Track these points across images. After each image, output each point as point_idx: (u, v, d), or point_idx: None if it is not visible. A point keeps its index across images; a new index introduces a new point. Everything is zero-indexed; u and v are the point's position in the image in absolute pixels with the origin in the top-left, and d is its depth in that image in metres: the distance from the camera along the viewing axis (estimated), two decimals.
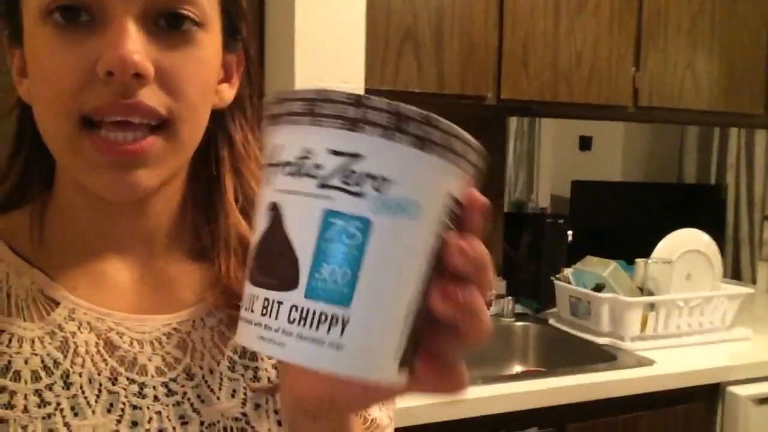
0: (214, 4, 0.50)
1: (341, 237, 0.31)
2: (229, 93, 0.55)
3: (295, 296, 0.31)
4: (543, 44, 1.83)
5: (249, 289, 0.34)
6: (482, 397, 1.52)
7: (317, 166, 0.31)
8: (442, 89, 1.73)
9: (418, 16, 1.69)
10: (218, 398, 0.52)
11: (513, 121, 2.81)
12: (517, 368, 2.00)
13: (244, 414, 0.53)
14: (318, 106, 0.31)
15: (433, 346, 0.35)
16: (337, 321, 0.31)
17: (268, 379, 0.55)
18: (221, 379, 0.53)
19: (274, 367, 0.55)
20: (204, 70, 0.50)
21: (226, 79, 0.55)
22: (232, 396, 0.53)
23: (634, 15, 1.93)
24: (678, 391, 1.70)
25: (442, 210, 0.33)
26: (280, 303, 0.31)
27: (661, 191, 3.17)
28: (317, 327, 0.31)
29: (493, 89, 1.79)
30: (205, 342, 0.54)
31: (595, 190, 2.92)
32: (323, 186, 0.31)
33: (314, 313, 0.31)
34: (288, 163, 0.32)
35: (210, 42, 0.50)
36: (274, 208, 0.32)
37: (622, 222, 2.71)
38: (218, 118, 0.55)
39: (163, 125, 0.48)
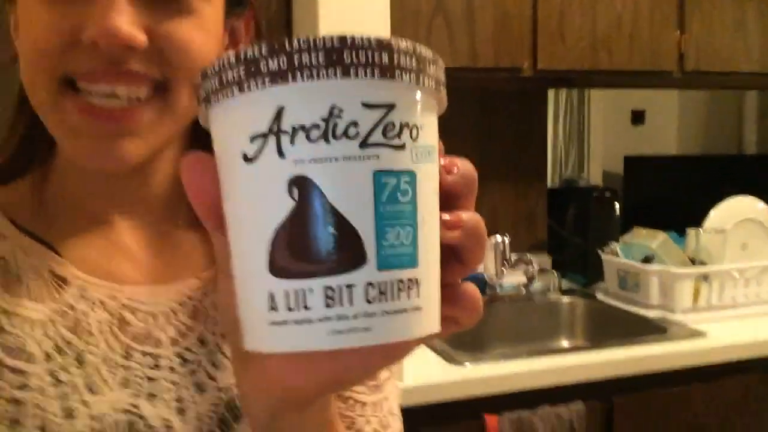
0: None
1: (396, 196, 0.28)
2: None
3: (367, 272, 0.28)
4: (580, 10, 1.78)
5: (285, 285, 0.28)
6: (527, 370, 1.50)
7: (353, 124, 0.28)
8: (476, 63, 1.71)
9: None
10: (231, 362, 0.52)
11: (562, 97, 2.75)
12: (565, 344, 1.96)
13: None
14: (346, 55, 0.27)
15: (443, 281, 0.33)
16: (413, 283, 0.29)
17: None
18: None
19: None
20: (203, 39, 0.47)
21: (233, 44, 0.53)
22: None
23: None
24: (733, 364, 1.64)
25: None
26: (350, 286, 0.28)
27: (719, 163, 3.05)
28: (398, 296, 0.28)
29: (529, 60, 1.76)
30: (217, 306, 0.53)
31: (649, 165, 2.84)
32: (366, 145, 0.28)
33: (392, 283, 0.28)
34: (311, 127, 0.27)
35: (210, 7, 0.48)
36: (301, 183, 0.28)
37: (679, 197, 2.62)
38: None
39: (157, 90, 0.46)
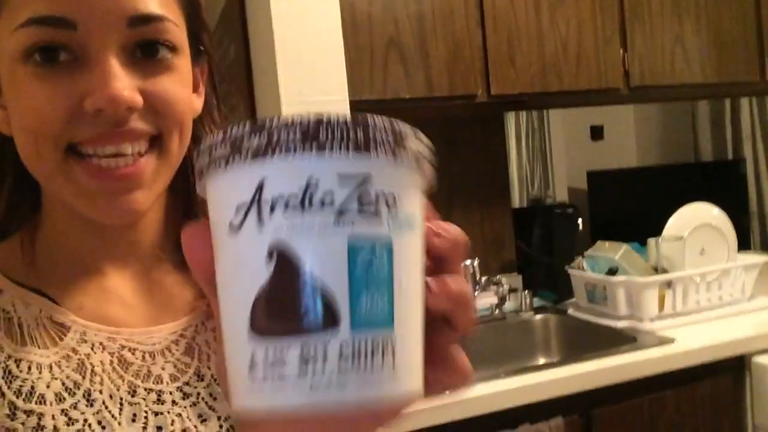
0: (182, 26, 0.53)
1: (371, 261, 0.30)
2: (198, 102, 0.58)
3: (342, 332, 0.29)
4: (527, 36, 1.85)
5: (264, 344, 0.30)
6: (504, 390, 1.52)
7: (329, 193, 0.29)
8: (432, 92, 1.76)
9: (399, 23, 1.72)
10: None
11: (522, 119, 2.82)
12: (540, 361, 1.99)
13: None
14: (321, 132, 0.29)
15: (432, 345, 0.34)
16: (387, 343, 0.30)
17: None
18: None
19: None
20: (184, 90, 0.52)
21: (194, 89, 0.57)
22: None
23: None
24: (703, 367, 1.68)
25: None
26: (325, 344, 0.29)
27: (678, 172, 3.13)
28: (372, 356, 0.30)
29: (483, 86, 1.81)
30: (209, 344, 0.57)
31: (611, 178, 2.91)
32: (341, 212, 0.29)
33: (366, 342, 0.30)
34: (290, 197, 0.29)
35: (185, 62, 0.53)
36: (280, 250, 0.29)
37: (643, 208, 2.69)
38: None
39: (153, 141, 0.50)
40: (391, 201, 0.31)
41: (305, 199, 0.29)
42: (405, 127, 0.32)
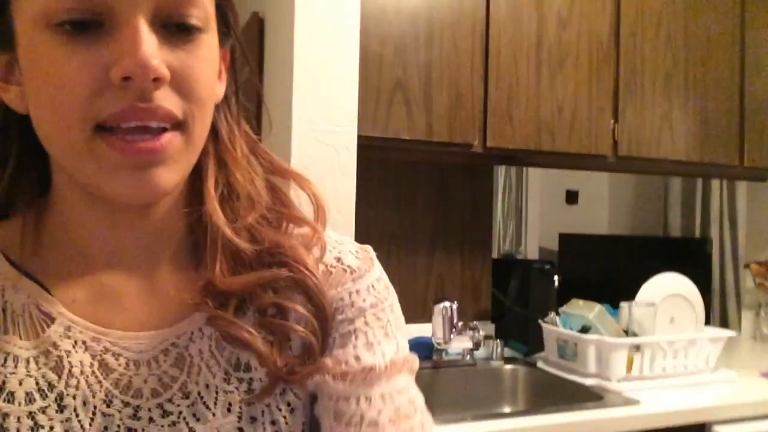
0: (212, 2, 0.50)
1: None
2: (220, 88, 0.55)
3: None
4: (526, 96, 1.93)
5: None
6: None
7: None
8: (431, 137, 1.82)
9: (407, 68, 1.79)
10: (213, 414, 0.51)
11: (501, 175, 2.90)
12: (507, 410, 2.02)
13: (240, 429, 0.52)
14: None
15: None
16: None
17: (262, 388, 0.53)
18: (217, 393, 0.52)
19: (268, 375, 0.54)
20: (210, 69, 0.50)
21: (218, 76, 0.54)
22: (228, 411, 0.52)
23: (612, 70, 2.05)
24: (665, 430, 1.73)
25: None
26: None
27: (647, 244, 3.24)
28: None
29: (479, 138, 1.88)
30: (203, 354, 0.53)
31: (582, 242, 3.00)
32: None
33: None
34: None
35: (212, 41, 0.50)
36: None
37: (609, 274, 2.78)
38: None
39: (178, 125, 0.47)
40: None
41: None
42: None
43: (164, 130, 0.47)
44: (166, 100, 0.46)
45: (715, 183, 3.29)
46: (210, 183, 0.54)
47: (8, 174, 0.54)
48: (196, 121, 0.49)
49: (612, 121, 2.05)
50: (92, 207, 0.51)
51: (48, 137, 0.48)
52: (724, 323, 3.20)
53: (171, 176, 0.48)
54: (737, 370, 2.05)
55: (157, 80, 0.45)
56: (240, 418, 0.52)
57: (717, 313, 3.26)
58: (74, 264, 0.52)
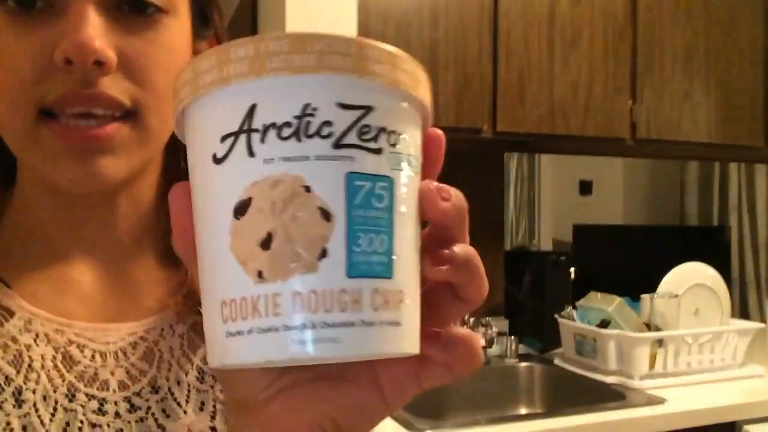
0: None
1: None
2: None
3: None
4: (538, 76, 1.82)
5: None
6: None
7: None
8: (437, 122, 1.70)
9: (411, 48, 1.68)
10: (185, 411, 0.49)
11: (512, 166, 2.80)
12: (523, 411, 1.91)
13: (213, 428, 0.50)
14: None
15: (435, 319, 0.31)
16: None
17: None
18: (189, 390, 0.50)
19: None
20: (171, 57, 0.47)
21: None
22: (201, 409, 0.50)
23: (629, 47, 1.93)
24: (692, 431, 1.62)
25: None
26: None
27: (663, 234, 3.14)
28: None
29: (489, 122, 1.77)
30: (173, 351, 0.51)
31: (597, 233, 2.89)
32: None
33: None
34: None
35: (178, 28, 0.48)
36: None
37: (626, 265, 2.67)
38: None
39: (128, 115, 0.45)
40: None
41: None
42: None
43: (112, 118, 0.45)
44: (114, 86, 0.44)
45: (733, 169, 3.17)
46: None
47: None
48: (151, 111, 0.46)
49: (630, 102, 1.93)
50: (54, 199, 0.50)
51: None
52: (744, 315, 3.09)
53: (117, 167, 0.46)
54: (766, 365, 1.93)
55: (101, 64, 0.43)
56: (213, 416, 0.50)
57: (737, 304, 3.15)
58: (37, 258, 0.50)
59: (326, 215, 0.26)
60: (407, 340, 0.28)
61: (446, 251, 0.30)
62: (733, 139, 2.08)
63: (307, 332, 0.26)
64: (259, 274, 0.26)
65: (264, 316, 0.26)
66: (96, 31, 0.42)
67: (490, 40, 1.77)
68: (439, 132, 0.32)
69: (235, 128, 0.27)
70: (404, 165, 0.28)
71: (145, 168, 0.50)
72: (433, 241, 0.30)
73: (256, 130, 0.27)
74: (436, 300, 0.31)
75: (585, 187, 3.23)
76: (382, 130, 0.27)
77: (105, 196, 0.50)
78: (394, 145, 0.28)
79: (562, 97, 1.85)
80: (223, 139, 0.27)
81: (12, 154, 0.49)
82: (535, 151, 2.18)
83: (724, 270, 2.95)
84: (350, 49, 0.27)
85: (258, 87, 0.27)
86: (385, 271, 0.27)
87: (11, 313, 0.47)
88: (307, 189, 0.26)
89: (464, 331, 0.31)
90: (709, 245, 3.02)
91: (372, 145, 0.27)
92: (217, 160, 0.27)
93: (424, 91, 0.30)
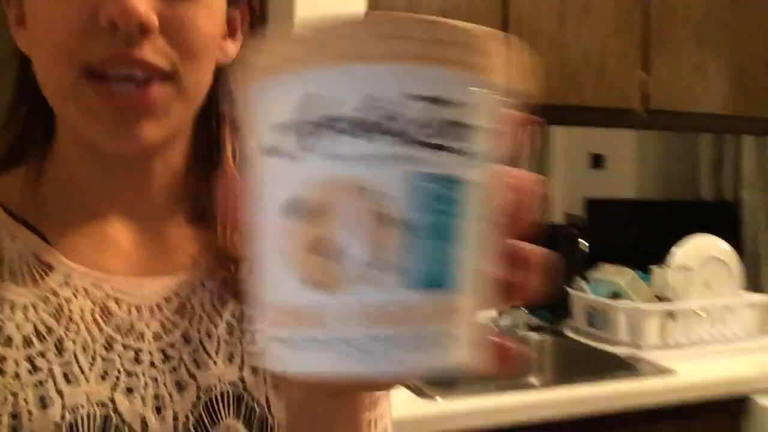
0: None
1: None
2: (233, 49, 0.55)
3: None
4: (549, 46, 1.80)
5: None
6: (496, 406, 1.46)
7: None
8: None
9: None
10: (215, 363, 0.52)
11: None
12: (533, 381, 1.92)
13: (242, 379, 0.52)
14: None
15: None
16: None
17: None
18: (219, 343, 0.53)
19: None
20: (209, 23, 0.49)
21: (231, 34, 0.54)
22: (230, 360, 0.52)
23: (641, 16, 1.90)
24: (702, 402, 1.62)
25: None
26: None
27: (677, 208, 3.11)
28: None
29: None
30: (204, 305, 0.53)
31: (609, 208, 2.88)
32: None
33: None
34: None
35: None
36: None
37: (638, 240, 2.65)
38: (221, 75, 0.53)
39: (167, 78, 0.47)
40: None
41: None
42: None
43: (152, 80, 0.46)
44: (154, 51, 0.46)
45: (747, 143, 3.13)
46: (228, 153, 0.55)
47: (21, 120, 0.54)
48: (189, 74, 0.48)
49: (642, 73, 1.91)
50: (90, 155, 0.51)
51: (41, 78, 0.49)
52: (757, 288, 3.08)
53: (156, 130, 0.47)
54: None
55: (144, 28, 0.44)
56: (241, 368, 0.52)
57: (750, 278, 3.13)
58: (75, 214, 0.52)
59: (383, 220, 0.24)
60: (468, 351, 0.26)
61: (523, 253, 0.29)
62: (747, 111, 2.06)
63: (355, 346, 0.24)
64: (306, 281, 0.25)
65: (309, 326, 0.25)
66: None
67: (500, 10, 1.76)
68: (529, 117, 0.29)
69: (289, 118, 0.24)
70: (478, 166, 0.26)
71: (178, 133, 0.52)
72: (504, 231, 0.29)
73: (311, 123, 0.24)
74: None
75: (597, 161, 3.21)
76: (453, 125, 0.25)
77: (141, 160, 0.52)
78: (465, 143, 0.25)
79: (574, 66, 1.83)
80: (275, 128, 0.25)
81: (53, 113, 0.52)
82: (548, 122, 2.16)
83: (737, 245, 2.94)
84: (417, 32, 0.24)
85: (315, 76, 0.24)
86: (447, 281, 0.25)
87: (51, 268, 0.49)
88: (363, 190, 0.24)
89: (521, 346, 0.31)
90: (723, 219, 3.00)
91: (439, 142, 0.24)
92: (268, 151, 0.25)
93: (509, 73, 0.27)
